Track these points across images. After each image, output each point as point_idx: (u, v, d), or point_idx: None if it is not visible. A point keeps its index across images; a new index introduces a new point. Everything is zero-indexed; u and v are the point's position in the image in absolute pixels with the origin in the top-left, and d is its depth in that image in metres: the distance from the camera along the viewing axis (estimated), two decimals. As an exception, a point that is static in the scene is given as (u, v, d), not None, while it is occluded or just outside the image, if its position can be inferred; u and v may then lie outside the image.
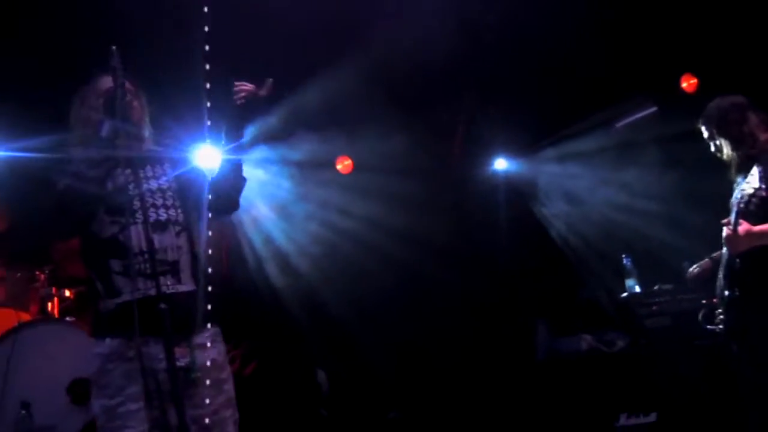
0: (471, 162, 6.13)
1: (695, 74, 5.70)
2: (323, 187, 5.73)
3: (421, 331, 5.42)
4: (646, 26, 5.29)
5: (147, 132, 2.64)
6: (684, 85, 5.75)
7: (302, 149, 5.47)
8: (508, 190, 6.19)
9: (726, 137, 3.33)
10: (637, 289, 5.02)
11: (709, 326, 3.52)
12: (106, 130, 2.42)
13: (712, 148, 3.44)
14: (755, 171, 3.15)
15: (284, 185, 5.55)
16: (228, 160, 2.69)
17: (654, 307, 4.84)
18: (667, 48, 5.45)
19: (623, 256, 5.13)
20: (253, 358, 4.67)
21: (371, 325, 5.31)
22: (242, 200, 2.77)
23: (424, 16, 4.79)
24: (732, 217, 3.15)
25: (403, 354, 5.41)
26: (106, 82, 2.48)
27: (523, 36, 5.30)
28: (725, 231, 3.19)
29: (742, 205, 3.16)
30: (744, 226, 3.13)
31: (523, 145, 6.21)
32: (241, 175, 2.72)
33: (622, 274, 5.10)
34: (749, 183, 3.18)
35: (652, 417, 4.66)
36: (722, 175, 3.49)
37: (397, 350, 5.39)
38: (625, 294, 5.04)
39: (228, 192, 2.70)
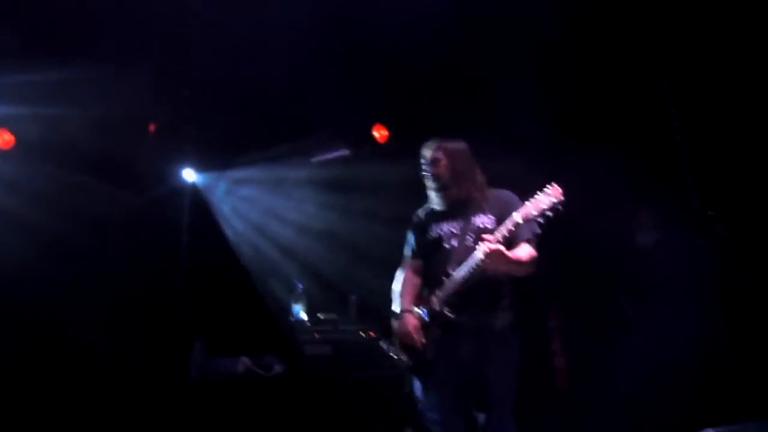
0: (158, 165, 5.68)
1: (387, 126, 6.08)
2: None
3: (71, 337, 4.70)
4: (349, 78, 5.52)
5: None
6: (376, 135, 6.11)
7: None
8: (193, 203, 5.84)
9: (452, 175, 3.38)
10: (303, 315, 4.99)
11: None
12: None
13: (430, 180, 3.44)
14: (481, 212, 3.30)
15: None
16: None
17: (316, 335, 4.84)
18: (365, 100, 5.76)
19: (295, 281, 5.10)
20: None
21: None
22: None
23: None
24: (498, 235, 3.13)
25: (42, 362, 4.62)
26: None
27: (229, 57, 5.18)
28: (484, 247, 3.10)
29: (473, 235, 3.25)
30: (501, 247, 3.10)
31: (215, 162, 5.98)
32: None
33: (291, 299, 5.04)
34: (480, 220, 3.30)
35: (299, 444, 4.57)
36: (400, 216, 3.65)
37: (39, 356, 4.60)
38: (290, 319, 4.98)
39: None
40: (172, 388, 4.69)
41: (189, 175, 5.94)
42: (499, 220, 3.25)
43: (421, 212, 3.57)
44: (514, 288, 3.31)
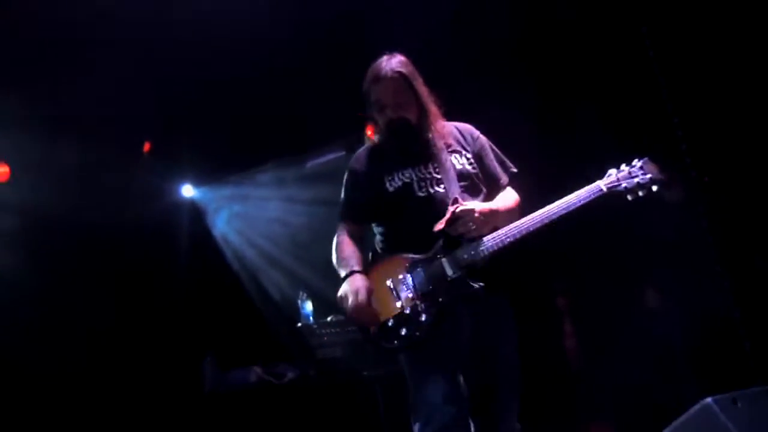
0: (156, 183, 5.71)
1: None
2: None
3: (85, 358, 4.72)
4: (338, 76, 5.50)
5: None
6: (369, 133, 6.09)
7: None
8: (192, 218, 5.87)
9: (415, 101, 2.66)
10: (311, 319, 4.99)
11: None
12: None
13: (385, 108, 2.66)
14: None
15: None
16: None
17: (325, 338, 4.83)
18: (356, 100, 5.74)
19: (301, 287, 5.10)
20: None
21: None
22: None
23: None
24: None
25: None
26: None
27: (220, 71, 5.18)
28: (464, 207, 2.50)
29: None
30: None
31: (212, 175, 6.00)
32: None
33: (299, 304, 5.04)
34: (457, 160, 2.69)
35: (316, 449, 4.58)
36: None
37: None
38: (299, 324, 4.98)
39: None
40: (186, 403, 4.71)
41: (187, 191, 5.97)
42: (477, 158, 2.70)
43: (362, 156, 2.75)
44: None
